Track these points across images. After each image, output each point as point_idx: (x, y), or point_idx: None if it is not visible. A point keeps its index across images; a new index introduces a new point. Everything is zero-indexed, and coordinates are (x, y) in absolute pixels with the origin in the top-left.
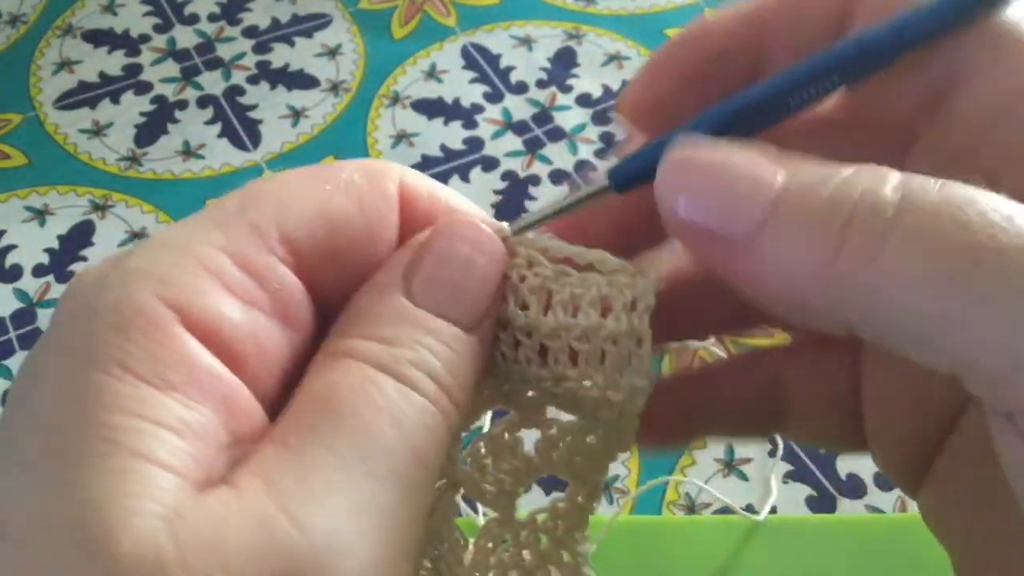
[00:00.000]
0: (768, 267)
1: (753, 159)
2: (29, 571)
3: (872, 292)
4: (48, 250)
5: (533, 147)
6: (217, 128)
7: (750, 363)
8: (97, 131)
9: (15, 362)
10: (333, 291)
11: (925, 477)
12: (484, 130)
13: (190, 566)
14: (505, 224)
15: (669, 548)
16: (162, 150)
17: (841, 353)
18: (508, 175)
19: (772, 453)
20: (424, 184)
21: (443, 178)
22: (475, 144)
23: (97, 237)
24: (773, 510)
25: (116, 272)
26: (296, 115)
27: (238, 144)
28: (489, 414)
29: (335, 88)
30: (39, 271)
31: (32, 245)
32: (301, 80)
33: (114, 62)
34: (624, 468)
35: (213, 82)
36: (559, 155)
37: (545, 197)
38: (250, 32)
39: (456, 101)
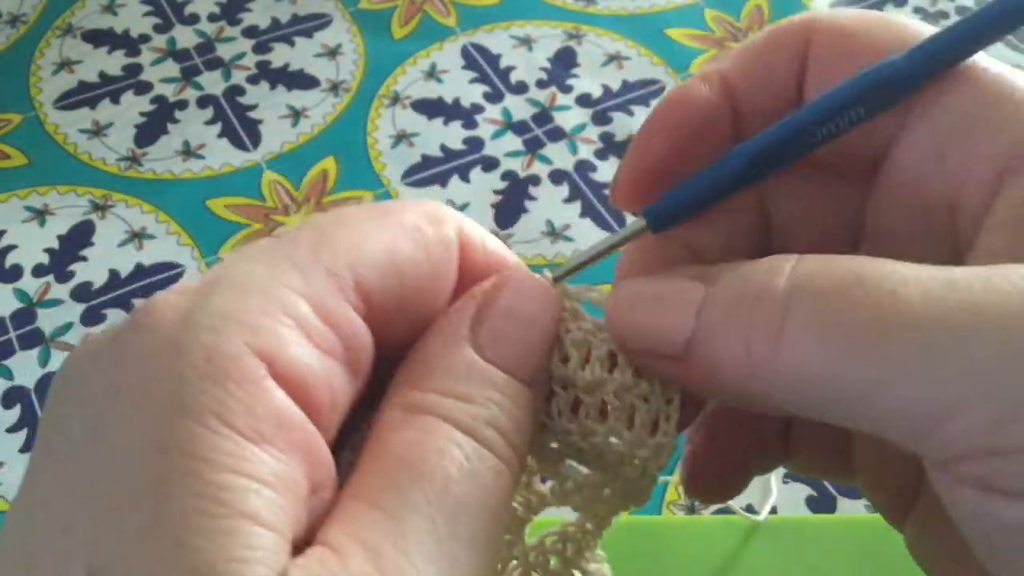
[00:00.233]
0: (703, 372)
1: (678, 282)
2: None
3: (783, 373)
4: (48, 250)
5: (533, 147)
6: (217, 128)
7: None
8: (97, 131)
9: (15, 362)
10: (395, 336)
11: (910, 511)
12: (484, 130)
13: None
14: (548, 272)
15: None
16: (162, 150)
17: None
18: (508, 175)
19: None
20: (478, 233)
21: (443, 178)
22: (475, 144)
23: (97, 237)
24: (773, 510)
25: (202, 314)
26: (296, 115)
27: (238, 144)
28: None
29: (335, 88)
30: (39, 271)
31: (32, 245)
32: (301, 80)
33: (114, 62)
34: None
35: (213, 82)
36: (559, 155)
37: (545, 197)
38: (250, 32)
39: (456, 101)
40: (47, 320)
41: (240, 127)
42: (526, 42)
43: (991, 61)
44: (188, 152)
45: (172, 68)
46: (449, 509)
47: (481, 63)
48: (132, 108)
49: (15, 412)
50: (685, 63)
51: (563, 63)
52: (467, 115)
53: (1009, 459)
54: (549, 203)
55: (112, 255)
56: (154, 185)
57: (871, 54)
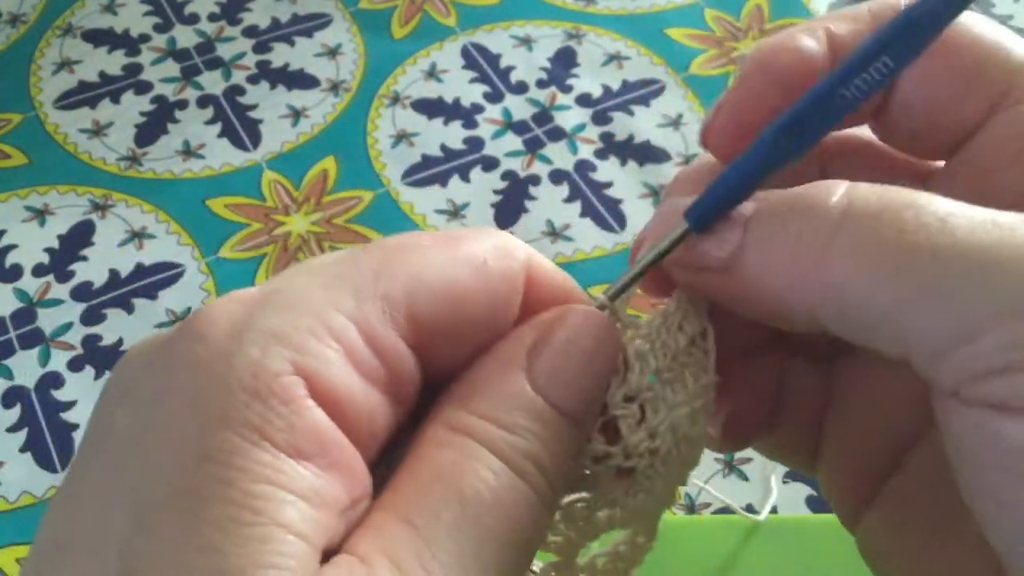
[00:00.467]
0: (747, 283)
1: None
2: None
3: (825, 289)
4: (48, 250)
5: (533, 147)
6: (217, 128)
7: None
8: (97, 131)
9: (15, 362)
10: (443, 363)
11: (867, 509)
12: (484, 130)
13: None
14: (602, 297)
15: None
16: (162, 150)
17: (813, 373)
18: (508, 175)
19: None
20: (548, 267)
21: (443, 178)
22: (475, 144)
23: (97, 237)
24: (773, 510)
25: (253, 329)
26: (296, 115)
27: (238, 144)
28: None
29: (335, 88)
30: (39, 271)
31: (32, 245)
32: (301, 80)
33: (114, 62)
34: None
35: (213, 82)
36: (559, 155)
37: (545, 197)
38: (250, 32)
39: (456, 101)
40: (47, 320)
41: (240, 127)
42: (526, 42)
43: None
44: (188, 152)
45: (172, 68)
46: (477, 534)
47: (481, 63)
48: (132, 108)
49: (15, 412)
50: (685, 63)
51: (563, 63)
52: (467, 115)
53: (1021, 375)
54: (549, 203)
55: (112, 255)
56: (154, 185)
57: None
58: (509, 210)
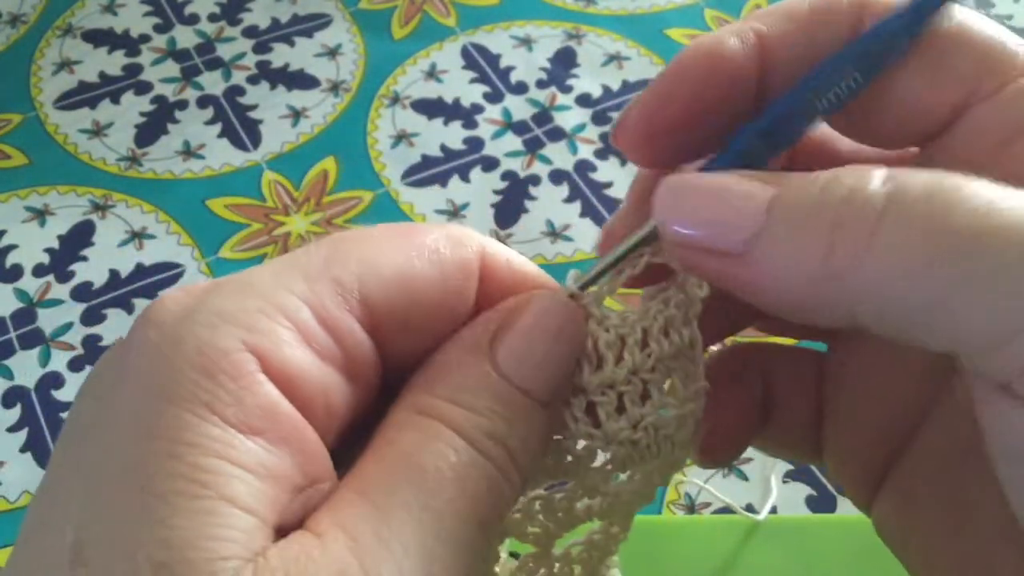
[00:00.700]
0: (766, 274)
1: (744, 178)
2: None
3: (869, 283)
4: (48, 250)
5: (533, 147)
6: (217, 128)
7: (742, 362)
8: (97, 131)
9: (15, 362)
10: (402, 352)
11: (880, 490)
12: (484, 130)
13: None
14: (571, 280)
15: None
16: (162, 150)
17: (805, 361)
18: (508, 175)
19: None
20: (503, 254)
21: (443, 178)
22: (475, 144)
23: (97, 237)
24: (773, 510)
25: (202, 311)
26: (296, 115)
27: (238, 144)
28: None
29: (335, 88)
30: (39, 271)
31: (32, 245)
32: (301, 80)
33: (114, 62)
34: None
35: (213, 82)
36: (559, 155)
37: (545, 197)
38: (250, 32)
39: (456, 101)
40: (47, 320)
41: (240, 127)
42: (526, 42)
43: None
44: (188, 152)
45: (172, 68)
46: (436, 509)
47: (481, 63)
48: (132, 108)
49: (15, 412)
50: None
51: (563, 63)
52: (467, 115)
53: None
54: (549, 203)
55: (112, 255)
56: (154, 185)
57: None
58: (509, 210)
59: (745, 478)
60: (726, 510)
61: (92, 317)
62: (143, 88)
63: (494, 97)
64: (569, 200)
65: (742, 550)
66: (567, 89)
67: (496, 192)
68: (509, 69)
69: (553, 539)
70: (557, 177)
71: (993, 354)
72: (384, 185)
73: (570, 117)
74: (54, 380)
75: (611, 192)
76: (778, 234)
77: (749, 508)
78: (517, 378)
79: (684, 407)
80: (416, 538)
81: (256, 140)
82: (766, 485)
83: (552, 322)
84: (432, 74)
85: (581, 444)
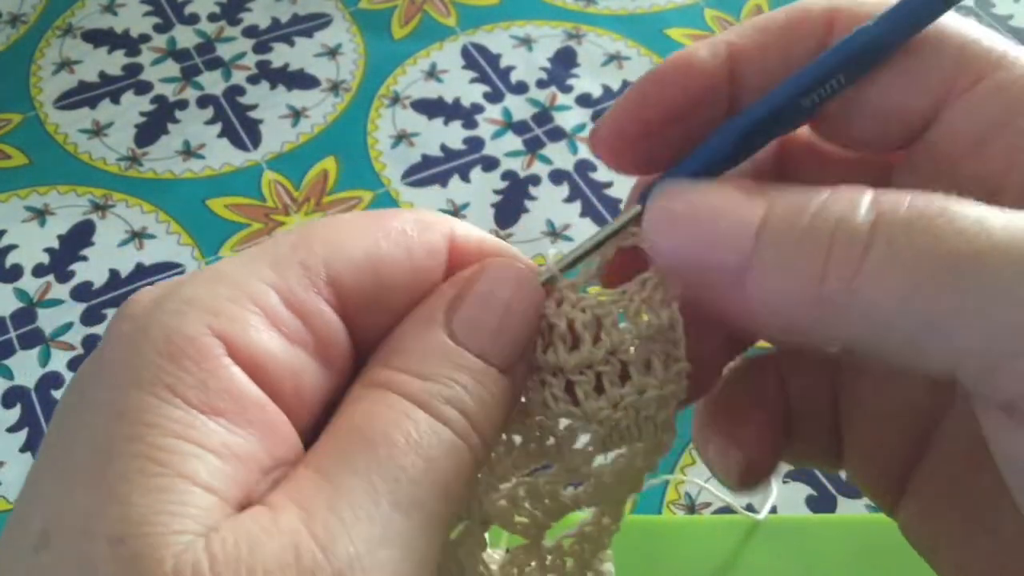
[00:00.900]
0: (758, 298)
1: (732, 197)
2: None
3: (859, 309)
4: (48, 250)
5: (533, 147)
6: (217, 128)
7: (761, 383)
8: (97, 131)
9: (15, 362)
10: (373, 334)
11: (903, 493)
12: (484, 130)
13: None
14: (551, 264)
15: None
16: (162, 150)
17: (819, 371)
18: (508, 175)
19: None
20: (474, 235)
21: (443, 178)
22: (475, 144)
23: (97, 237)
24: (773, 510)
25: (170, 300)
26: (296, 115)
27: (238, 144)
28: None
29: (335, 88)
30: (39, 271)
31: (32, 245)
32: (301, 80)
33: (114, 62)
34: None
35: (213, 82)
36: (559, 155)
37: (545, 197)
38: (250, 32)
39: (456, 101)
40: (47, 320)
41: (240, 127)
42: (526, 42)
43: (1018, 50)
44: (188, 152)
45: (172, 68)
46: (390, 475)
47: (481, 63)
48: (132, 108)
49: (15, 412)
50: None
51: (563, 63)
52: (467, 115)
53: None
54: (549, 203)
55: (112, 255)
56: (154, 185)
57: None
58: (509, 210)
59: None
60: (726, 510)
61: (92, 317)
62: (143, 88)
63: (494, 97)
64: (569, 200)
65: (742, 550)
66: (567, 89)
67: (496, 192)
68: (509, 69)
69: (543, 530)
70: (557, 177)
71: (992, 376)
72: (384, 185)
73: (570, 117)
74: (54, 380)
75: (611, 192)
76: (767, 261)
77: (749, 508)
78: (473, 344)
79: (665, 388)
80: (369, 505)
81: (256, 140)
82: (766, 485)
83: (507, 287)
84: (432, 74)
85: (563, 425)
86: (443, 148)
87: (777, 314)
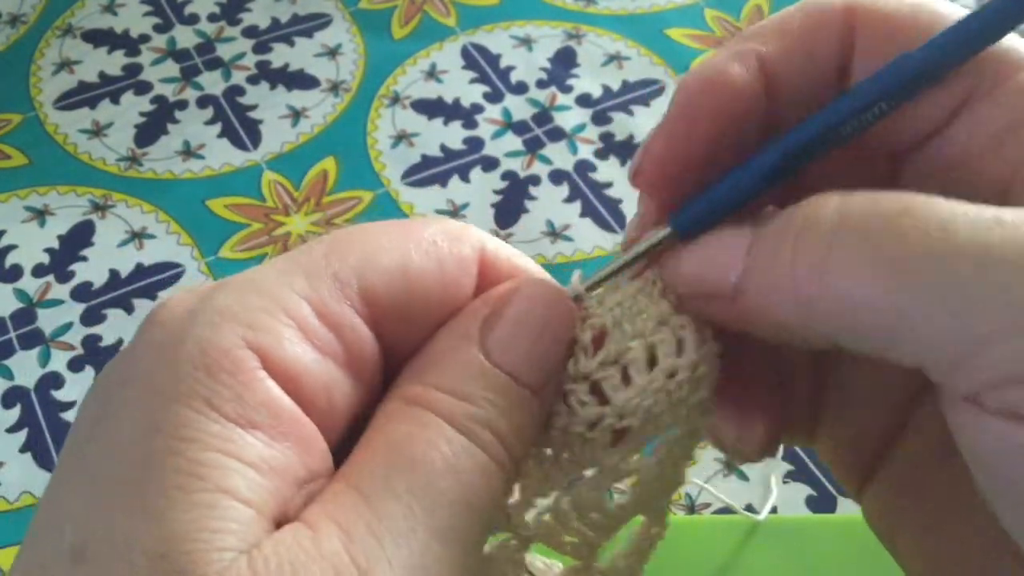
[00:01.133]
0: (752, 309)
1: (728, 233)
2: None
3: (830, 306)
4: (48, 250)
5: (533, 147)
6: (217, 128)
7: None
8: (97, 131)
9: (15, 362)
10: (402, 346)
11: (871, 480)
12: (484, 130)
13: None
14: (576, 282)
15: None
16: (162, 150)
17: (801, 357)
18: (508, 175)
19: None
20: (504, 251)
21: (443, 178)
22: (475, 144)
23: (97, 237)
24: (773, 510)
25: (205, 310)
26: (296, 115)
27: (238, 144)
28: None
29: (335, 88)
30: (39, 271)
31: (32, 245)
32: (301, 80)
33: (114, 62)
34: None
35: (213, 82)
36: (559, 155)
37: (545, 197)
38: (250, 32)
39: (456, 101)
40: (47, 320)
41: (240, 127)
42: (526, 42)
43: None
44: (188, 152)
45: (172, 68)
46: (428, 500)
47: (481, 63)
48: (132, 108)
49: (15, 412)
50: (685, 63)
51: (563, 63)
52: (467, 115)
53: None
54: (549, 203)
55: (112, 255)
56: (154, 185)
57: (915, 39)
58: (509, 210)
59: (745, 478)
60: (726, 510)
61: (92, 317)
62: (143, 88)
63: (494, 97)
64: (569, 200)
65: (742, 550)
66: (567, 89)
67: (496, 192)
68: (509, 69)
69: (594, 547)
70: (557, 177)
71: (957, 369)
72: (384, 185)
73: (570, 117)
74: (54, 380)
75: (611, 192)
76: (756, 273)
77: (749, 508)
78: (508, 365)
79: (697, 369)
80: (408, 531)
81: (256, 140)
82: (766, 485)
83: (542, 308)
84: (432, 74)
85: (591, 430)
86: (443, 148)
87: (772, 318)
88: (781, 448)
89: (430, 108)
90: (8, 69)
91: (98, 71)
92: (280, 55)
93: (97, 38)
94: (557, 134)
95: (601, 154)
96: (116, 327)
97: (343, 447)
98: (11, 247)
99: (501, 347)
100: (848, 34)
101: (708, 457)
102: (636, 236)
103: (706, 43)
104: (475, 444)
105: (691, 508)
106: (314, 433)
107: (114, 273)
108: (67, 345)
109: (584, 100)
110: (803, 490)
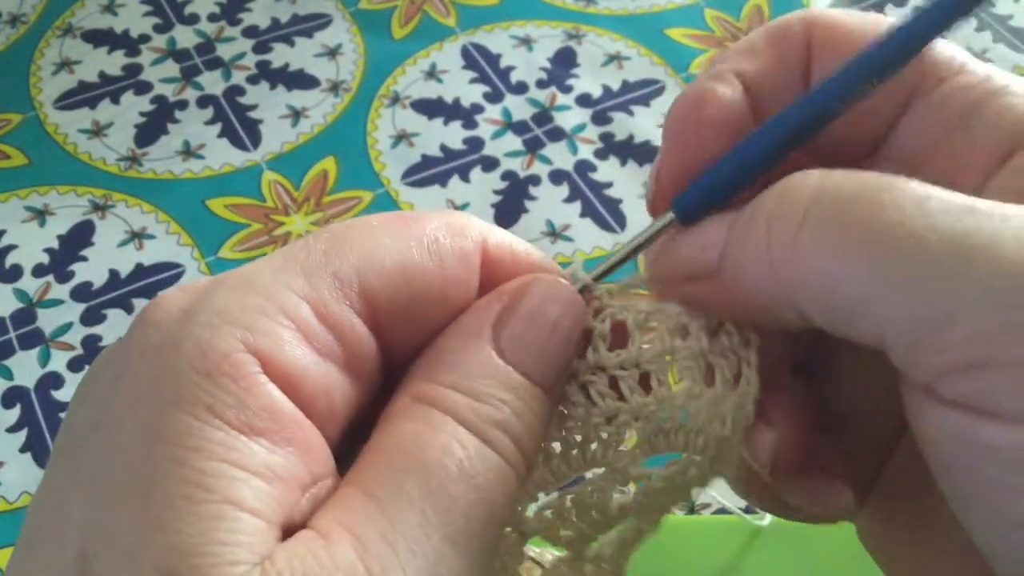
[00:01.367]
0: (732, 287)
1: (715, 220)
2: None
3: (801, 278)
4: (48, 250)
5: (533, 147)
6: (217, 128)
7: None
8: (97, 131)
9: (15, 362)
10: (402, 345)
11: (865, 500)
12: (484, 130)
13: None
14: (579, 270)
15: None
16: (162, 150)
17: (797, 378)
18: (508, 175)
19: None
20: (507, 242)
21: (443, 178)
22: (475, 144)
23: (97, 237)
24: None
25: (201, 311)
26: (296, 115)
27: (238, 144)
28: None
29: (335, 88)
30: (39, 271)
31: (32, 245)
32: (301, 80)
33: (114, 62)
34: None
35: (213, 82)
36: (559, 155)
37: (545, 197)
38: (250, 32)
39: (456, 101)
40: (47, 320)
41: (240, 127)
42: (526, 42)
43: (978, 62)
44: (188, 152)
45: (172, 68)
46: (443, 506)
47: (481, 63)
48: (132, 108)
49: (15, 412)
50: (685, 63)
51: (563, 63)
52: (467, 115)
53: (998, 374)
54: (549, 203)
55: (112, 255)
56: (154, 185)
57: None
58: (509, 210)
59: None
60: (726, 510)
61: (92, 317)
62: (143, 88)
63: (494, 97)
64: (569, 200)
65: (743, 553)
66: (567, 89)
67: (496, 192)
68: (509, 69)
69: (587, 541)
70: (557, 177)
71: (913, 351)
72: (384, 185)
73: (570, 117)
74: (54, 380)
75: (611, 192)
76: (734, 250)
77: (749, 509)
78: (521, 364)
79: (721, 404)
80: (422, 537)
81: (256, 140)
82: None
83: (554, 306)
84: (432, 74)
85: (608, 423)
86: (443, 148)
87: (746, 297)
88: None
89: (430, 108)
90: (8, 69)
91: (98, 71)
92: (280, 55)
93: (97, 38)
94: (557, 134)
95: (601, 154)
96: (116, 327)
97: (343, 447)
98: (11, 247)
99: (514, 345)
100: (809, 44)
101: None
102: (658, 171)
103: (706, 43)
104: (489, 447)
105: (691, 508)
106: (316, 436)
107: (114, 273)
108: (67, 345)
109: (584, 100)
110: None
